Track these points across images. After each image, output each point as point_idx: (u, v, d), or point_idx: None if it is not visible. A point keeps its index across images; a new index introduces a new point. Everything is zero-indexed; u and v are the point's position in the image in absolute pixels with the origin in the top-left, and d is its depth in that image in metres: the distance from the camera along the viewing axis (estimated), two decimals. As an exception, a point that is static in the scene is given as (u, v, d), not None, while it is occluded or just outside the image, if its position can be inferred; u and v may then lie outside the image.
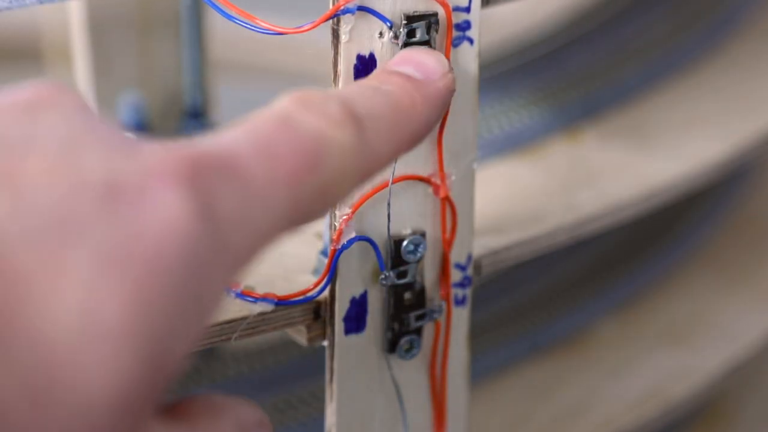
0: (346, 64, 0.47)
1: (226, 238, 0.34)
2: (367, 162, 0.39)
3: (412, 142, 0.42)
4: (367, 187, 0.49)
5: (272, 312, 0.51)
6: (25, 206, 0.32)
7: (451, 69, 0.45)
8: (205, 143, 0.36)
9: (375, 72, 0.45)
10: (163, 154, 0.34)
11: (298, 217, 0.37)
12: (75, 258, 0.31)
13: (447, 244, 0.52)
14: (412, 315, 0.52)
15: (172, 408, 0.35)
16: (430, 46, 0.48)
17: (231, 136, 0.36)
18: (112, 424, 0.31)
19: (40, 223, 0.32)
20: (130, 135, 0.35)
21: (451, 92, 0.44)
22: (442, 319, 0.53)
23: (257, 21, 0.46)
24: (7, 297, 0.31)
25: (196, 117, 0.72)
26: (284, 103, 0.38)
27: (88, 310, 0.31)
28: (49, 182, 0.32)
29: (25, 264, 0.31)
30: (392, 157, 0.41)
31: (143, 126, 0.70)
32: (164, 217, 0.33)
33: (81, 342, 0.31)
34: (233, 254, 0.35)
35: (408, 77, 0.43)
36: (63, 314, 0.31)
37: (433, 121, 0.43)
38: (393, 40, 0.48)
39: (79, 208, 0.32)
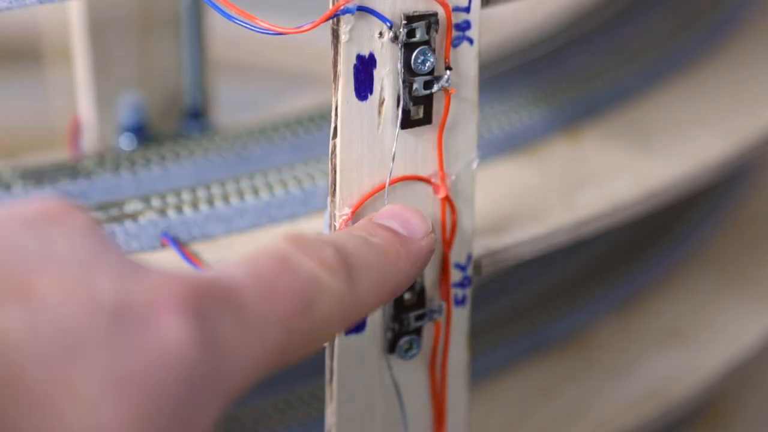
0: (346, 64, 0.47)
1: (222, 363, 0.36)
2: (353, 309, 0.41)
3: (394, 293, 0.44)
4: (367, 187, 0.49)
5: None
6: (39, 323, 0.33)
7: (432, 230, 0.46)
8: (209, 274, 0.37)
9: (363, 222, 0.47)
10: (170, 281, 0.35)
11: (287, 354, 0.39)
12: (82, 379, 0.33)
13: (447, 244, 0.52)
14: (412, 315, 0.52)
15: None
16: (430, 46, 0.48)
17: (233, 269, 0.38)
18: None
19: (53, 342, 0.33)
20: (136, 260, 0.36)
21: (431, 252, 0.46)
22: (442, 319, 0.53)
23: (257, 21, 0.46)
24: (15, 411, 0.32)
25: (196, 117, 0.72)
26: (283, 244, 0.40)
27: (93, 429, 0.32)
28: (63, 301, 0.34)
29: (35, 381, 0.32)
30: (375, 307, 0.43)
31: (143, 126, 0.70)
32: (167, 342, 0.34)
33: None
34: (227, 383, 0.36)
35: (394, 232, 0.45)
36: (71, 429, 0.32)
37: (413, 276, 0.45)
38: (393, 40, 0.48)
39: (89, 330, 0.34)
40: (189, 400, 0.34)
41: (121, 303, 0.34)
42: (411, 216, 0.46)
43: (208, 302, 0.36)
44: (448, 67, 0.49)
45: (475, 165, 0.52)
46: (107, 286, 0.34)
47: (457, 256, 0.52)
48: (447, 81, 0.49)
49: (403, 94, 0.48)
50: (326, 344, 0.44)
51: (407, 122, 0.49)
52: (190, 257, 0.55)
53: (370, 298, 0.42)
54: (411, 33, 0.48)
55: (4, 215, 0.36)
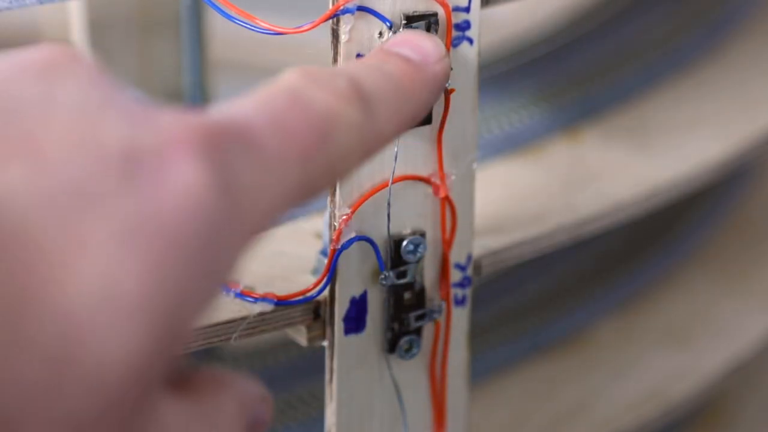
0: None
1: (240, 208, 0.34)
2: (372, 139, 0.39)
3: (412, 121, 0.42)
4: (367, 187, 0.49)
5: (272, 312, 0.51)
6: (44, 175, 0.31)
7: (447, 54, 0.45)
8: (220, 114, 0.36)
9: (374, 51, 0.45)
10: (181, 124, 0.34)
11: (307, 191, 0.37)
12: (94, 230, 0.31)
13: (447, 244, 0.52)
14: (412, 315, 0.52)
15: (178, 382, 0.36)
16: (430, 46, 0.48)
17: (244, 108, 0.36)
18: (122, 393, 0.31)
19: (60, 194, 0.31)
20: (147, 101, 0.35)
21: (446, 76, 0.44)
22: (442, 319, 0.53)
23: (257, 21, 0.46)
24: (27, 268, 0.30)
25: (196, 117, 0.72)
26: (293, 78, 0.38)
27: (108, 284, 0.31)
28: (69, 151, 0.32)
29: (44, 235, 0.31)
30: (395, 136, 0.41)
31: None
32: (182, 188, 0.32)
33: (99, 316, 0.31)
34: (247, 224, 0.35)
35: (407, 59, 0.43)
36: (82, 288, 0.31)
37: (430, 102, 0.44)
38: (393, 40, 0.48)
39: (98, 179, 0.32)
40: (208, 246, 0.33)
41: (132, 149, 0.32)
42: (423, 41, 0.44)
43: (223, 143, 0.34)
44: (448, 67, 0.49)
45: (475, 165, 0.52)
46: (115, 132, 0.33)
47: (457, 256, 0.52)
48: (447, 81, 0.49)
49: (403, 94, 0.48)
50: (347, 176, 0.42)
51: (407, 122, 0.49)
52: (190, 257, 0.55)
53: (388, 126, 0.40)
54: (411, 33, 0.48)
55: (4, 65, 0.34)
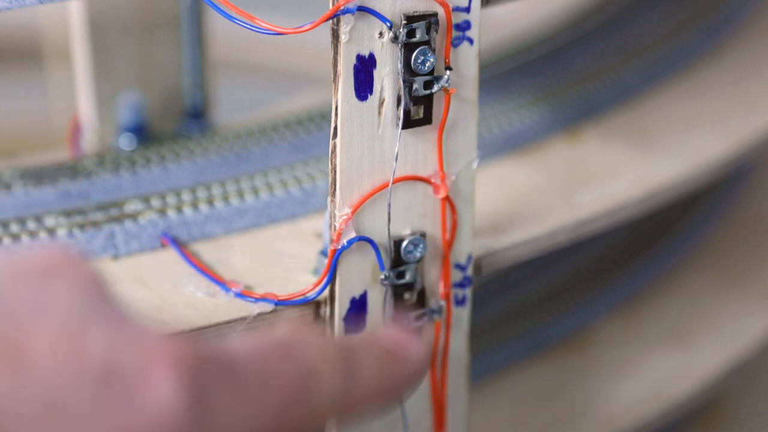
0: (346, 64, 0.47)
1: (211, 430, 0.35)
2: (346, 407, 0.41)
3: (386, 401, 0.43)
4: (367, 187, 0.49)
5: (272, 312, 0.51)
6: (26, 385, 0.33)
7: (426, 359, 0.45)
8: (211, 345, 0.37)
9: (364, 338, 0.46)
10: (167, 343, 0.35)
11: None
12: None
13: (447, 244, 0.52)
14: (412, 315, 0.52)
15: None
16: (430, 46, 0.48)
17: (236, 344, 0.38)
18: None
19: (39, 404, 0.32)
20: (136, 315, 0.36)
21: (422, 377, 0.45)
22: (442, 319, 0.53)
23: (257, 21, 0.46)
24: None
25: (196, 117, 0.72)
26: (284, 332, 0.40)
27: None
28: (51, 358, 0.33)
29: None
30: (363, 407, 0.42)
31: (143, 126, 0.70)
32: (156, 406, 0.34)
33: None
34: None
35: (390, 351, 0.44)
36: None
37: (403, 392, 0.44)
38: (393, 40, 0.48)
39: (75, 391, 0.33)
40: None
41: (112, 362, 0.34)
42: (409, 340, 0.45)
43: (205, 369, 0.35)
44: (448, 67, 0.49)
45: (475, 165, 0.52)
46: (99, 344, 0.34)
47: (457, 256, 0.52)
48: (447, 81, 0.49)
49: (404, 94, 0.48)
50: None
51: (407, 122, 0.49)
52: (190, 257, 0.55)
53: (364, 398, 0.42)
54: (411, 33, 0.48)
55: (4, 265, 0.35)
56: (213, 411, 0.35)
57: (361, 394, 0.41)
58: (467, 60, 0.50)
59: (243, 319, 0.50)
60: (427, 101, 0.49)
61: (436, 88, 0.49)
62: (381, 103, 0.49)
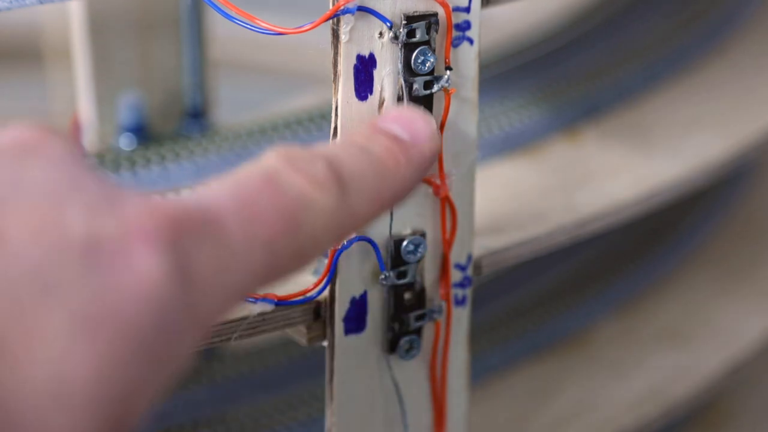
0: (346, 64, 0.47)
1: (198, 299, 0.35)
2: (345, 223, 0.40)
3: (391, 203, 0.42)
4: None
5: (272, 312, 0.51)
6: (5, 263, 0.32)
7: (437, 134, 0.45)
8: (189, 199, 0.36)
9: (364, 127, 0.45)
10: (145, 211, 0.34)
11: (272, 276, 0.38)
12: (51, 320, 0.32)
13: (447, 244, 0.52)
14: (412, 315, 0.52)
15: None
16: (430, 46, 0.48)
17: (215, 191, 0.37)
18: None
19: (19, 281, 0.32)
20: (114, 185, 0.35)
21: (434, 157, 0.44)
22: (442, 319, 0.53)
23: (257, 21, 0.46)
24: None
25: (196, 117, 0.72)
26: (271, 160, 0.39)
27: (60, 375, 0.32)
28: (31, 239, 0.32)
29: (1, 322, 0.31)
30: (370, 219, 0.42)
31: (143, 126, 0.70)
32: (139, 278, 0.33)
33: (50, 407, 0.31)
34: (204, 315, 0.35)
35: (395, 138, 0.43)
36: (35, 377, 0.31)
37: (415, 183, 0.43)
38: (393, 40, 0.48)
39: (58, 268, 0.32)
40: (162, 336, 0.33)
41: (93, 237, 0.33)
42: (415, 120, 0.44)
43: (186, 231, 0.34)
44: (448, 67, 0.49)
45: (475, 165, 0.52)
46: (78, 219, 0.33)
47: (457, 256, 0.52)
48: (447, 81, 0.49)
49: (404, 94, 0.48)
50: (317, 257, 0.41)
51: (407, 122, 0.49)
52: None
53: (364, 210, 0.40)
54: (411, 33, 0.48)
55: None
56: (197, 274, 0.34)
57: (361, 200, 0.40)
58: (467, 60, 0.50)
59: (243, 318, 0.50)
60: (427, 101, 0.49)
61: (436, 88, 0.49)
62: (381, 103, 0.49)
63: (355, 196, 0.40)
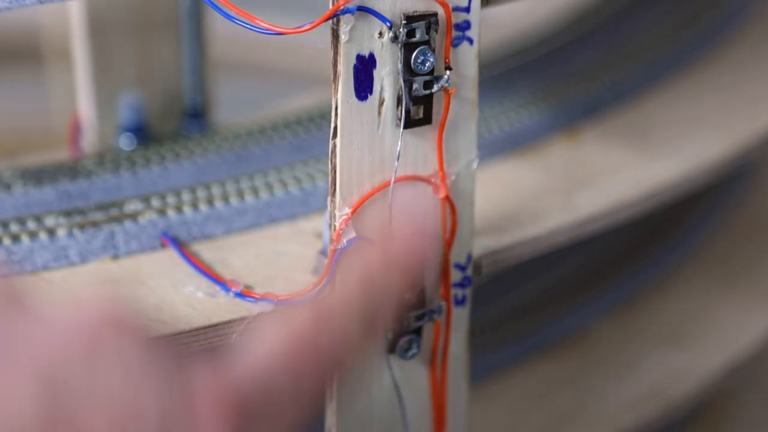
0: (346, 64, 0.47)
1: None
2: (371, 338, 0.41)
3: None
4: (367, 187, 0.49)
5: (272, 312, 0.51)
6: None
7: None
8: (246, 369, 0.37)
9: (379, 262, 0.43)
10: (211, 392, 0.36)
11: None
12: None
13: (447, 244, 0.52)
14: (412, 315, 0.52)
15: None
16: (430, 46, 0.48)
17: (268, 358, 0.38)
18: None
19: None
20: (180, 362, 0.37)
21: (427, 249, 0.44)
22: (442, 319, 0.53)
23: (257, 21, 0.46)
24: None
25: (196, 117, 0.72)
26: (309, 320, 0.39)
27: None
28: (110, 427, 0.34)
29: None
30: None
31: (143, 126, 0.70)
32: None
33: None
34: None
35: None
36: None
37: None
38: (393, 40, 0.48)
39: None
40: None
41: (167, 422, 0.35)
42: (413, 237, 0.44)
43: (246, 407, 0.36)
44: (448, 67, 0.49)
45: (475, 165, 0.52)
46: (153, 412, 0.35)
47: (457, 256, 0.52)
48: (447, 81, 0.49)
49: (404, 94, 0.48)
50: None
51: (407, 122, 0.49)
52: (190, 257, 0.55)
53: (386, 319, 0.42)
54: (411, 33, 0.48)
55: (53, 336, 0.36)
56: None
57: (382, 320, 0.41)
58: (467, 60, 0.50)
59: (243, 319, 0.50)
60: (427, 101, 0.49)
61: (436, 88, 0.49)
62: (381, 103, 0.49)
63: (379, 316, 0.41)
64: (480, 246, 0.56)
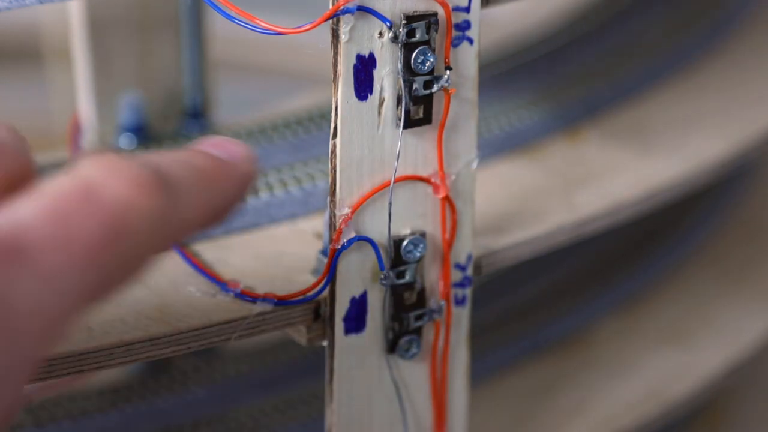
0: (346, 64, 0.47)
1: (16, 335, 0.33)
2: (174, 228, 0.38)
3: (217, 213, 0.41)
4: (367, 187, 0.49)
5: (272, 312, 0.51)
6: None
7: (254, 158, 0.44)
8: (1, 221, 0.34)
9: (182, 150, 0.44)
10: None
11: (100, 291, 0.36)
12: None
13: (447, 244, 0.52)
14: (412, 315, 0.52)
15: None
16: (430, 46, 0.48)
17: (27, 211, 0.35)
18: None
19: None
20: None
21: (253, 176, 0.43)
22: (442, 319, 0.53)
23: (257, 21, 0.46)
24: None
25: (196, 117, 0.72)
26: (88, 170, 0.37)
27: None
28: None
29: None
30: (198, 226, 0.40)
31: (143, 126, 0.70)
32: None
33: None
34: (25, 349, 0.34)
35: (213, 157, 0.42)
36: None
37: (236, 198, 0.42)
38: (393, 40, 0.48)
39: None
40: None
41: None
42: (227, 142, 0.43)
43: None
44: (448, 67, 0.49)
45: (475, 165, 0.52)
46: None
47: (457, 256, 0.52)
48: (447, 81, 0.49)
49: (404, 94, 0.48)
50: (145, 266, 0.39)
51: (407, 122, 0.49)
52: (190, 257, 0.55)
53: (191, 215, 0.39)
54: (411, 33, 0.48)
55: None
56: (14, 304, 0.33)
57: (188, 206, 0.39)
58: (467, 60, 0.50)
59: (243, 318, 0.50)
60: (427, 101, 0.49)
61: (436, 88, 0.49)
62: (381, 102, 0.49)
63: (182, 202, 0.38)
64: (480, 246, 0.56)
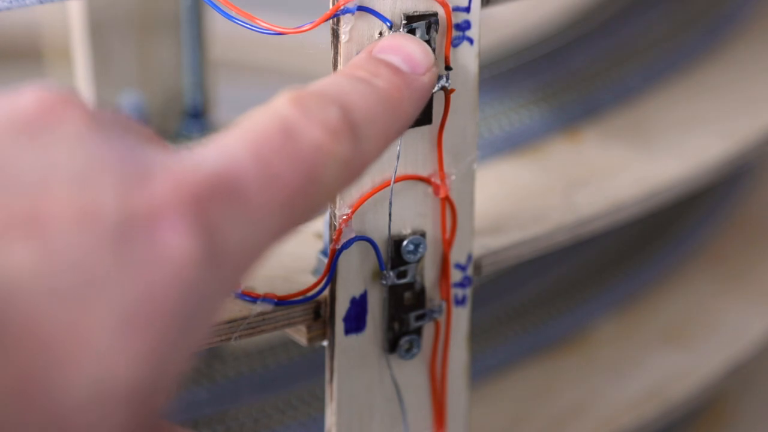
0: (347, 64, 0.47)
1: (227, 271, 0.34)
2: (357, 169, 0.39)
3: (395, 138, 0.42)
4: (368, 187, 0.49)
5: (272, 312, 0.51)
6: (47, 258, 0.31)
7: (435, 62, 0.45)
8: (211, 159, 0.35)
9: (363, 57, 0.44)
10: (171, 186, 0.33)
11: (288, 232, 0.37)
12: (94, 317, 0.31)
13: (447, 244, 0.52)
14: (412, 315, 0.52)
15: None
16: (430, 46, 0.48)
17: (234, 149, 0.36)
18: None
19: (62, 278, 0.31)
20: (140, 151, 0.34)
21: (433, 86, 0.44)
22: (442, 319, 0.53)
23: (257, 21, 0.46)
24: (30, 357, 0.30)
25: (196, 117, 0.72)
26: (284, 109, 0.38)
27: (105, 375, 0.31)
28: (69, 226, 0.31)
29: (48, 326, 0.31)
30: (378, 156, 0.41)
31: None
32: (174, 264, 0.32)
33: (95, 408, 0.31)
34: (230, 283, 0.35)
35: (396, 69, 0.43)
36: (81, 378, 0.31)
37: (415, 116, 0.43)
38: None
39: (97, 259, 0.31)
40: (198, 319, 0.33)
41: (124, 223, 0.32)
42: (414, 50, 0.44)
43: (213, 204, 0.34)
44: (448, 67, 0.49)
45: (475, 165, 0.52)
46: (111, 201, 0.32)
47: (457, 256, 0.52)
48: (447, 81, 0.49)
49: (403, 94, 0.48)
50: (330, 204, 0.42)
51: (407, 122, 0.49)
52: (190, 257, 0.55)
53: (373, 151, 0.40)
54: (411, 33, 0.48)
55: None
56: (226, 247, 0.34)
57: (372, 143, 0.39)
58: (467, 60, 0.50)
59: (243, 318, 0.50)
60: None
61: (436, 87, 0.49)
62: (381, 103, 0.48)
63: (366, 140, 0.39)
64: (480, 246, 0.56)
